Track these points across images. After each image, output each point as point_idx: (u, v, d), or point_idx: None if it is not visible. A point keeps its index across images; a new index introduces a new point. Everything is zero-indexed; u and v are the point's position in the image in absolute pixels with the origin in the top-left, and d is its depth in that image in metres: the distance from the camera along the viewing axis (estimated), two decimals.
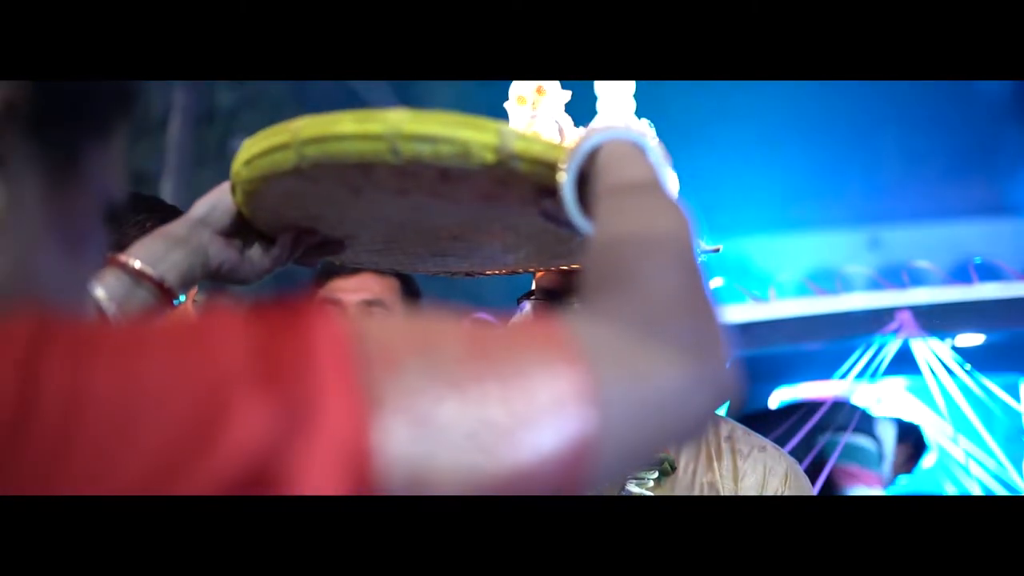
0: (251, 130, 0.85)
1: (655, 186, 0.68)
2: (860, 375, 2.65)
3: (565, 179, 0.74)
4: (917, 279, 2.77)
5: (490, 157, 0.75)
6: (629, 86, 1.32)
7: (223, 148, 7.57)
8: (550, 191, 0.77)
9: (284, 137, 0.80)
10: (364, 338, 0.45)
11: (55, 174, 0.48)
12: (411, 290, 2.13)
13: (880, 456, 2.77)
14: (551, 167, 0.76)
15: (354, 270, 2.06)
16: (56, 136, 0.48)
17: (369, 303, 2.03)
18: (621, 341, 0.51)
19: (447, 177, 0.79)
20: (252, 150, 0.84)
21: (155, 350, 0.42)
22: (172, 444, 0.40)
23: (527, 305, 1.49)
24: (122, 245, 1.44)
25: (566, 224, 0.76)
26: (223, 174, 0.91)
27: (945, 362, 2.54)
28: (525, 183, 0.79)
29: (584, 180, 0.73)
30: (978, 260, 2.72)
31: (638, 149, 0.74)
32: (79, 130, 0.50)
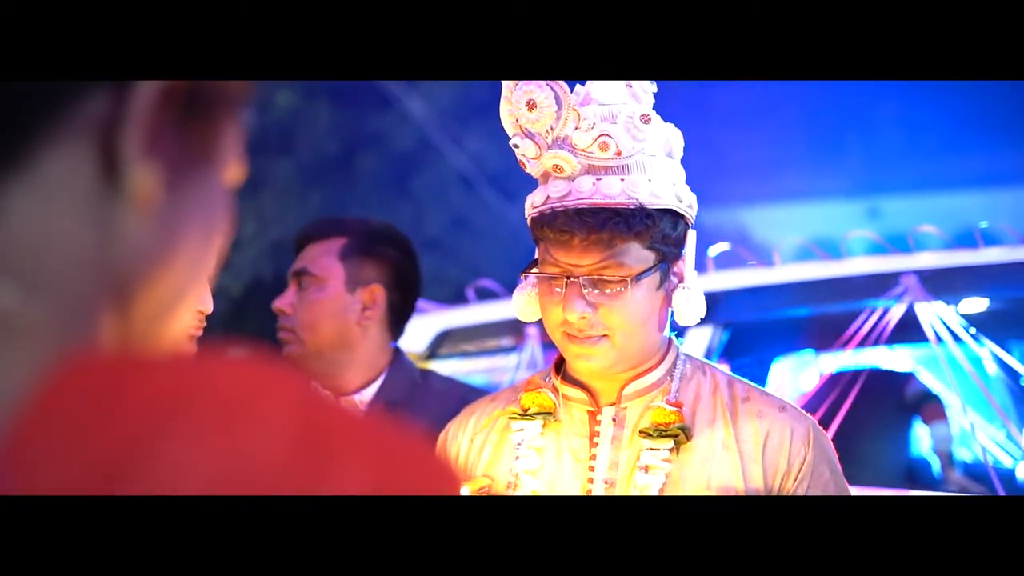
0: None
1: None
2: (864, 340, 2.63)
3: None
4: (922, 244, 2.75)
5: None
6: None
7: None
8: None
9: None
10: None
11: (198, 153, 0.51)
12: (399, 277, 1.99)
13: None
14: None
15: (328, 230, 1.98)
16: (201, 116, 0.51)
17: (297, 273, 1.95)
18: None
19: None
20: None
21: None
22: None
23: (531, 278, 1.46)
24: None
25: None
26: None
27: (951, 327, 2.52)
28: None
29: None
30: (984, 224, 2.70)
31: None
32: (218, 108, 0.52)
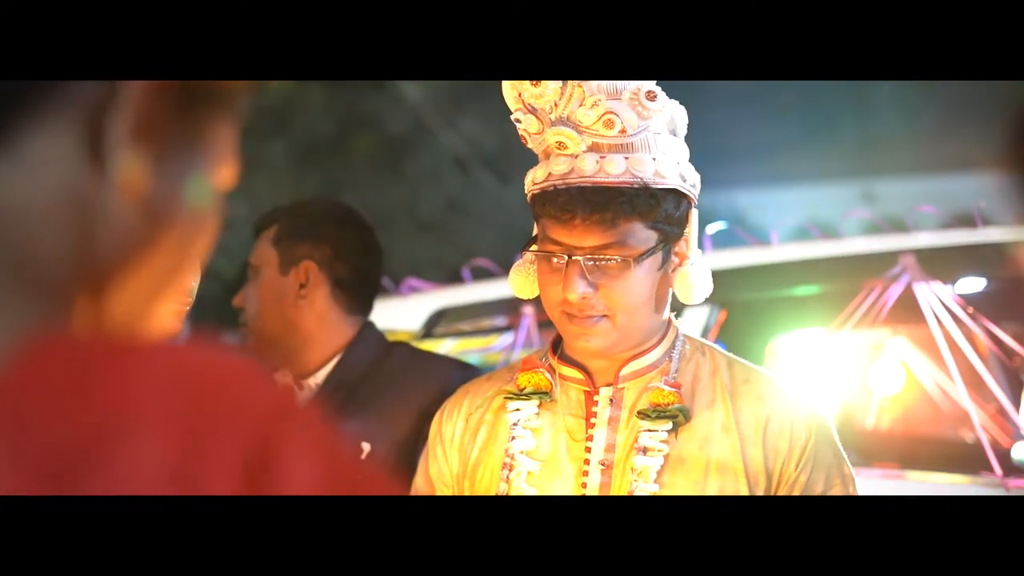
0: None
1: None
2: (862, 320, 2.63)
3: None
4: (920, 224, 2.75)
5: None
6: None
7: None
8: None
9: None
10: None
11: (189, 146, 0.52)
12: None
13: None
14: None
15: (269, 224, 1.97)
16: (194, 110, 0.52)
17: (245, 267, 1.96)
18: None
19: None
20: None
21: None
22: None
23: (529, 255, 1.44)
24: None
25: None
26: None
27: (948, 306, 2.52)
28: None
29: None
30: (984, 205, 2.70)
31: None
32: (213, 103, 0.53)
